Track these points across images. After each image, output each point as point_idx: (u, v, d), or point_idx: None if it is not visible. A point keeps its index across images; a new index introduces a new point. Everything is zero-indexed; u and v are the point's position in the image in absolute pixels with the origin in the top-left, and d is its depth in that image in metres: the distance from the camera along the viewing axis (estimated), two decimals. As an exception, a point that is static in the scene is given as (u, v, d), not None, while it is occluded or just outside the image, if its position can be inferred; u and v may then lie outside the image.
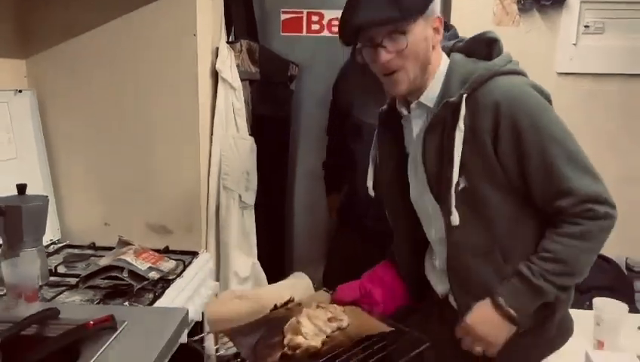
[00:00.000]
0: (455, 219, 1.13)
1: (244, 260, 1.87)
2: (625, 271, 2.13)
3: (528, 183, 1.11)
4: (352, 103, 1.86)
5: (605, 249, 2.12)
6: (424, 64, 1.15)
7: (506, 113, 1.07)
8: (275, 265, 2.08)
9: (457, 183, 1.12)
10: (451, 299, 1.26)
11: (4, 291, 1.20)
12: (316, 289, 1.44)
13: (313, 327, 1.14)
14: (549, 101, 1.16)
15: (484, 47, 1.17)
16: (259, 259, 1.92)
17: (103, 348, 1.01)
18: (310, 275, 1.99)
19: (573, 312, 1.45)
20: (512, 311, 1.10)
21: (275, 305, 1.29)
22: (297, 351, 1.09)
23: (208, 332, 1.36)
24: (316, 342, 1.10)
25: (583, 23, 2.09)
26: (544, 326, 1.19)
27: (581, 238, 1.08)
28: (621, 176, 2.18)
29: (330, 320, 1.19)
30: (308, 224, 2.39)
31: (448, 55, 1.21)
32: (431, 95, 1.18)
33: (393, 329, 1.17)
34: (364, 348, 1.14)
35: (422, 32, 1.13)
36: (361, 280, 1.36)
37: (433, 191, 1.19)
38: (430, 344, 1.12)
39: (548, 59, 2.16)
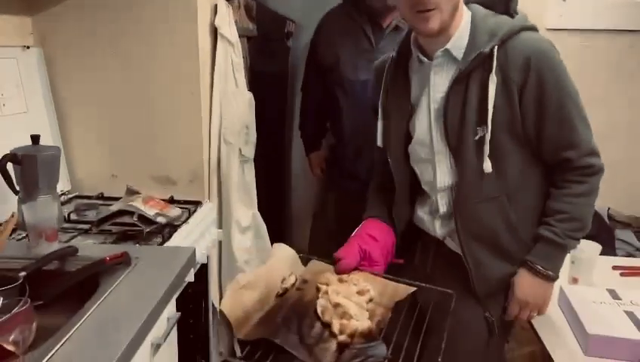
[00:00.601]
0: (488, 166, 1.18)
1: (245, 211, 1.95)
2: (607, 220, 2.24)
3: (542, 133, 1.19)
4: (338, 56, 1.86)
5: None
6: (455, 8, 1.17)
7: (535, 66, 1.14)
8: (274, 216, 2.17)
9: (476, 132, 1.18)
10: (449, 241, 1.35)
11: (25, 234, 1.30)
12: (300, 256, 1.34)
13: (355, 306, 1.07)
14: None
15: (503, 1, 1.22)
16: (259, 210, 2.01)
17: (118, 281, 1.11)
18: (308, 226, 2.10)
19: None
20: (550, 272, 1.23)
21: (286, 288, 1.18)
22: (354, 337, 1.00)
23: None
24: (367, 321, 1.04)
25: (572, -21, 2.14)
26: None
27: (588, 195, 1.22)
28: (607, 128, 2.26)
29: (359, 293, 1.14)
30: (306, 176, 2.46)
31: (467, 5, 1.24)
32: (458, 44, 1.20)
33: (416, 288, 1.16)
34: (405, 315, 1.10)
35: None
36: (355, 242, 1.30)
37: (450, 142, 1.22)
38: (454, 293, 1.14)
39: (538, 15, 2.18)
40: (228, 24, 1.85)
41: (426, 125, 1.28)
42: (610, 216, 2.25)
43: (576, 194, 1.21)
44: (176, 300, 1.31)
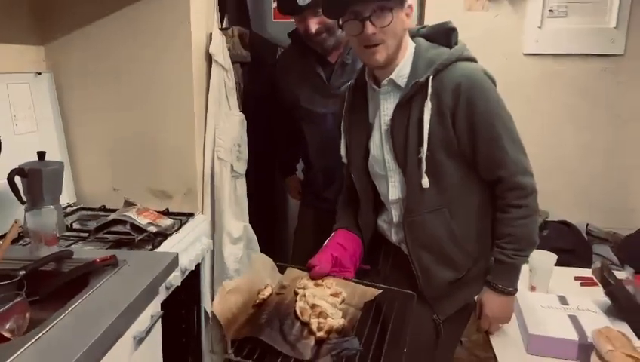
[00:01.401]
0: (425, 182, 1.31)
1: (236, 223, 2.09)
2: (585, 235, 2.32)
3: (476, 153, 1.31)
4: (298, 96, 1.97)
5: (567, 215, 2.35)
6: (399, 42, 1.31)
7: (465, 92, 1.26)
8: (264, 228, 2.31)
9: (418, 151, 1.31)
10: (403, 247, 1.47)
11: (29, 240, 1.47)
12: (278, 264, 1.44)
13: (330, 306, 1.20)
14: (495, 84, 1.35)
15: (444, 35, 1.36)
16: (250, 222, 2.15)
17: (105, 279, 1.26)
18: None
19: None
20: (510, 288, 1.37)
21: (263, 298, 1.28)
22: (330, 334, 1.13)
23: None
24: (341, 319, 1.16)
25: (547, 7, 2.26)
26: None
27: (527, 217, 1.33)
28: (580, 148, 2.37)
29: (333, 295, 1.26)
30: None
31: (412, 38, 1.38)
32: (401, 74, 1.34)
33: (381, 290, 1.28)
34: (373, 314, 1.23)
35: (400, 15, 1.29)
36: (327, 251, 1.42)
37: (398, 159, 1.37)
38: (415, 295, 1.27)
39: (515, 41, 2.33)
40: (222, 51, 2.02)
41: (378, 144, 1.42)
42: (588, 232, 2.33)
43: (518, 218, 1.33)
44: (169, 305, 1.45)
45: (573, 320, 1.36)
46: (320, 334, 1.13)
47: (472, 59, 1.34)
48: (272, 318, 1.20)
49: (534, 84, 2.34)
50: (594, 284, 1.65)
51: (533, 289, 1.61)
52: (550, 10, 2.27)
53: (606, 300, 1.49)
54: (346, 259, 1.43)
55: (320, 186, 2.05)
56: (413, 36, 1.39)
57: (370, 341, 1.14)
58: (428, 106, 1.28)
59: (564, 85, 2.34)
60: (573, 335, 1.28)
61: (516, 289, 1.38)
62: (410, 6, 1.32)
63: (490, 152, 1.30)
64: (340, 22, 1.31)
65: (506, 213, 1.34)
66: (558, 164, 2.39)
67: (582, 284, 1.71)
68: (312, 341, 1.13)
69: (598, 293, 1.54)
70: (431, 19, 2.31)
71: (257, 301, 1.28)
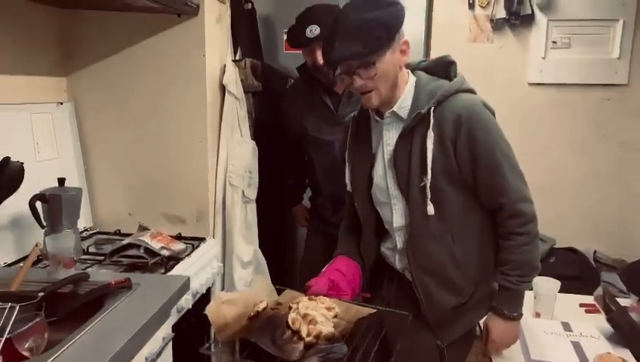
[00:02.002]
0: (430, 209, 1.34)
1: (247, 247, 2.14)
2: (592, 262, 2.33)
3: (476, 181, 1.35)
4: (306, 126, 2.04)
5: (575, 242, 2.37)
6: (394, 83, 1.35)
7: (465, 122, 1.30)
8: (273, 252, 2.35)
9: (420, 179, 1.35)
10: (407, 273, 1.51)
11: (49, 263, 1.53)
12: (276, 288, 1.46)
13: (321, 315, 1.23)
14: (494, 114, 1.38)
15: (444, 68, 1.41)
16: (260, 246, 2.20)
17: (120, 301, 1.31)
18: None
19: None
20: (514, 314, 1.39)
21: (257, 311, 1.30)
22: (319, 339, 1.16)
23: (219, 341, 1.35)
24: (331, 328, 1.19)
25: (550, 39, 2.32)
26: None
27: (529, 243, 1.36)
28: (586, 175, 2.40)
29: (326, 309, 1.28)
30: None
31: (413, 71, 1.43)
32: (403, 105, 1.38)
33: (375, 310, 1.30)
34: (365, 328, 1.24)
35: (390, 59, 1.31)
36: (326, 274, 1.46)
37: (401, 187, 1.41)
38: (410, 315, 1.30)
39: (519, 71, 2.39)
40: (235, 82, 2.11)
41: (382, 173, 1.46)
42: (596, 259, 2.34)
43: (520, 245, 1.36)
44: (179, 328, 1.50)
45: (576, 346, 1.37)
46: (309, 339, 1.15)
47: (471, 91, 1.39)
48: (264, 327, 1.24)
49: (539, 113, 2.39)
50: (598, 311, 1.67)
51: (537, 315, 1.63)
52: (554, 42, 2.33)
53: (609, 327, 1.50)
54: (343, 283, 1.45)
55: (329, 211, 2.10)
56: (413, 70, 1.44)
57: (358, 349, 1.16)
58: (431, 136, 1.32)
59: (569, 114, 2.38)
60: (575, 361, 1.30)
61: (521, 314, 1.40)
62: (405, 42, 1.35)
63: (491, 180, 1.34)
64: (335, 74, 1.38)
65: (508, 241, 1.37)
66: (565, 192, 2.42)
67: (587, 311, 1.73)
68: (300, 345, 1.16)
69: (602, 320, 1.55)
70: (437, 51, 2.41)
71: (252, 313, 1.30)
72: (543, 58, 2.34)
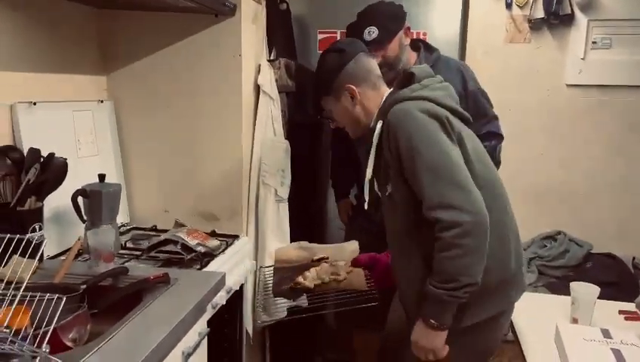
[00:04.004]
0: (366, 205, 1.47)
1: (278, 245, 2.16)
2: (631, 268, 2.27)
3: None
4: None
5: (613, 248, 2.32)
6: (355, 119, 1.48)
7: (392, 129, 1.32)
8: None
9: (385, 189, 1.40)
10: None
11: (89, 257, 1.57)
12: None
13: (314, 275, 1.67)
14: (441, 121, 1.32)
15: (407, 80, 1.42)
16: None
17: (158, 296, 1.34)
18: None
19: (560, 298, 1.68)
20: (431, 320, 1.32)
21: (312, 259, 1.84)
22: (298, 287, 1.65)
23: (268, 266, 2.00)
24: (310, 284, 1.65)
25: (590, 39, 2.27)
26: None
27: (445, 250, 1.26)
28: (625, 179, 2.34)
29: (332, 273, 1.67)
30: (337, 217, 2.65)
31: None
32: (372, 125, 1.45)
33: (367, 289, 1.59)
34: (339, 292, 1.66)
35: (339, 105, 1.48)
36: (373, 254, 1.71)
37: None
38: (377, 304, 1.54)
39: (557, 72, 2.35)
40: (269, 82, 2.13)
41: None
42: (635, 265, 2.29)
43: (437, 251, 1.28)
44: (212, 324, 1.52)
45: (617, 354, 1.34)
46: (291, 284, 1.67)
47: (418, 98, 1.36)
48: (295, 268, 1.79)
49: (577, 115, 2.35)
50: (639, 319, 1.62)
51: (575, 321, 1.60)
52: (594, 42, 2.28)
53: (651, 335, 1.46)
54: (380, 266, 1.65)
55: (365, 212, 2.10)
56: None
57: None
58: (373, 147, 1.40)
59: (609, 116, 2.33)
60: (616, 369, 1.27)
61: (441, 325, 1.32)
62: (349, 87, 1.45)
63: (413, 185, 1.32)
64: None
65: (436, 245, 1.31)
66: (603, 196, 2.37)
67: (626, 318, 1.68)
68: (287, 287, 1.69)
69: (644, 328, 1.51)
70: (473, 52, 2.38)
71: (315, 258, 1.83)
72: (582, 59, 2.29)
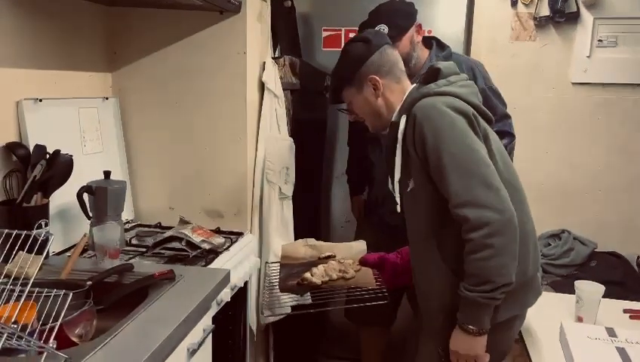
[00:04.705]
0: (398, 207, 1.43)
1: (282, 243, 2.15)
2: (636, 268, 2.27)
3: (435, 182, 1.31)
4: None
5: (618, 246, 2.31)
6: (376, 112, 1.46)
7: (418, 125, 1.29)
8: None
9: (407, 185, 1.37)
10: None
11: (94, 253, 1.58)
12: None
13: (322, 272, 1.66)
14: (468, 117, 1.30)
15: (432, 75, 1.38)
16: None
17: (164, 292, 1.35)
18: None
19: (565, 296, 1.68)
20: (470, 326, 1.28)
21: (319, 257, 1.82)
22: (305, 283, 1.62)
23: (274, 262, 1.96)
24: (317, 280, 1.63)
25: (596, 37, 2.26)
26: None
27: (475, 252, 1.22)
28: (630, 178, 2.33)
29: (339, 271, 1.67)
30: (341, 215, 2.66)
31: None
32: (394, 120, 1.43)
33: (376, 287, 1.58)
34: (348, 289, 1.68)
35: (360, 97, 1.45)
36: (382, 254, 1.67)
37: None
38: (387, 302, 1.52)
39: (563, 70, 2.34)
40: (274, 80, 2.13)
41: None
42: (639, 264, 2.28)
43: (467, 253, 1.24)
44: (217, 321, 1.53)
45: (622, 352, 1.34)
46: (298, 280, 1.64)
47: (444, 94, 1.33)
48: (303, 265, 1.76)
49: (582, 114, 2.34)
50: (644, 318, 1.62)
51: (579, 320, 1.60)
52: (600, 40, 2.27)
53: (656, 334, 1.46)
54: (389, 265, 1.61)
55: (381, 209, 2.11)
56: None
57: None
58: (399, 142, 1.36)
59: (614, 115, 2.32)
60: (621, 368, 1.27)
61: (480, 330, 1.28)
62: (373, 78, 1.43)
63: (439, 182, 1.29)
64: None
65: (464, 248, 1.27)
66: (608, 195, 2.36)
67: (631, 317, 1.68)
68: (295, 282, 1.65)
69: (648, 327, 1.51)
70: (478, 49, 2.38)
71: (322, 255, 1.82)
72: (588, 57, 2.28)
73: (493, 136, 1.38)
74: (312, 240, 1.92)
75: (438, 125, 1.28)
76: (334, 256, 1.80)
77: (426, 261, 1.39)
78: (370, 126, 1.51)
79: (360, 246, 1.89)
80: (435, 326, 1.40)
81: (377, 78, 1.42)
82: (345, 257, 1.78)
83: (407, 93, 1.43)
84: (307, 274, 1.65)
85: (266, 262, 2.01)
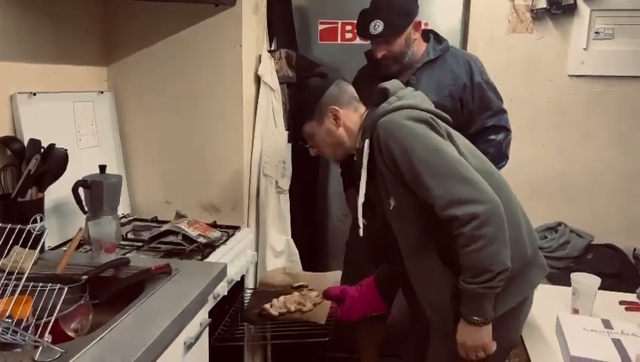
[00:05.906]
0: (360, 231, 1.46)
1: (279, 237, 2.16)
2: (632, 260, 2.27)
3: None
4: None
5: (614, 239, 2.32)
6: (338, 142, 1.49)
7: (383, 143, 1.32)
8: (306, 243, 2.36)
9: (389, 204, 1.38)
10: None
11: (90, 247, 1.57)
12: None
13: (281, 304, 1.78)
14: (428, 123, 1.33)
15: (382, 96, 1.42)
16: (292, 236, 2.21)
17: (160, 286, 1.35)
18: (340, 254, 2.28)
19: (561, 289, 1.68)
20: (474, 317, 1.30)
21: (292, 286, 1.93)
22: (264, 313, 1.74)
23: (250, 288, 2.05)
24: (275, 312, 1.75)
25: (593, 29, 2.25)
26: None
27: (470, 244, 1.24)
28: (630, 170, 2.34)
29: (298, 303, 1.77)
30: (338, 209, 2.65)
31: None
32: (358, 146, 1.46)
33: (322, 324, 1.70)
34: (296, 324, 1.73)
35: (322, 129, 1.48)
36: (344, 287, 1.69)
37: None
38: (327, 340, 1.66)
39: (560, 63, 2.33)
40: (270, 73, 2.12)
41: None
42: (635, 256, 2.29)
43: (461, 246, 1.26)
44: (214, 315, 1.53)
45: (617, 343, 1.34)
46: (259, 310, 1.77)
47: (399, 108, 1.37)
48: (274, 294, 1.87)
49: (579, 106, 2.34)
50: (639, 309, 1.63)
51: (576, 311, 1.60)
52: (596, 32, 2.26)
53: (652, 325, 1.47)
54: (348, 301, 1.63)
55: None
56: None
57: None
58: (364, 166, 1.39)
59: (611, 107, 2.32)
60: (617, 359, 1.27)
61: (483, 320, 1.30)
62: (333, 109, 1.45)
63: (419, 190, 1.31)
64: None
65: (458, 243, 1.29)
66: (604, 187, 2.36)
67: (627, 309, 1.69)
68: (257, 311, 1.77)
69: (644, 318, 1.51)
70: (475, 41, 2.37)
71: (295, 285, 1.91)
72: (585, 49, 2.27)
73: (456, 133, 1.42)
74: (292, 268, 2.05)
75: (401, 137, 1.31)
76: (306, 286, 1.89)
77: (428, 268, 1.39)
78: (332, 157, 1.57)
79: (334, 277, 1.98)
80: (448, 328, 1.39)
81: (337, 108, 1.47)
82: (317, 287, 1.84)
83: (363, 118, 1.47)
84: (267, 306, 1.76)
85: (246, 288, 2.03)
